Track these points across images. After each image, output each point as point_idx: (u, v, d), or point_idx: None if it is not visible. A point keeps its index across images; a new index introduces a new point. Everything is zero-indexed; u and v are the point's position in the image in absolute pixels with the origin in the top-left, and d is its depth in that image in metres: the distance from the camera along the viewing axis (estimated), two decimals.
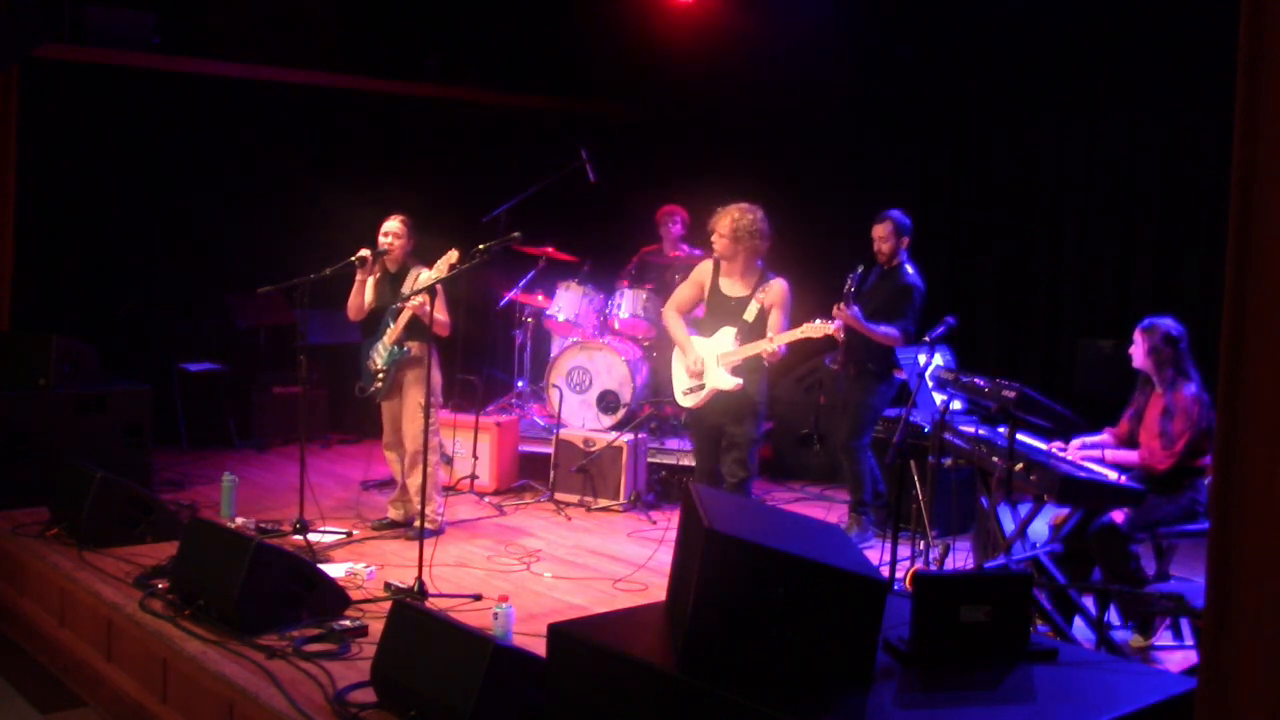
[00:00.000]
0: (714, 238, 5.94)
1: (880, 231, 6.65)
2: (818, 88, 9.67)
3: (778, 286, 5.93)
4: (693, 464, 7.71)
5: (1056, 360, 8.61)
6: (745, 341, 5.85)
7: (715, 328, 5.99)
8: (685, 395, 6.06)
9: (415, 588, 5.25)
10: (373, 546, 6.26)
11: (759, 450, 6.16)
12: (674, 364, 6.17)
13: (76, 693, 5.27)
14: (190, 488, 7.49)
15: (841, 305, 6.48)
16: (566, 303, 8.29)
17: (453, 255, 6.00)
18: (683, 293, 6.21)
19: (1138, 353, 5.24)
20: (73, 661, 5.45)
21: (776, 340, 5.77)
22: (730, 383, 5.84)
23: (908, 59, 9.16)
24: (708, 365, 5.94)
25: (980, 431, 5.24)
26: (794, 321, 5.89)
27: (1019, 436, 4.96)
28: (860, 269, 6.59)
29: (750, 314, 5.90)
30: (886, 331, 6.44)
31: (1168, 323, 5.21)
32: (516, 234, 5.74)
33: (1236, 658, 2.20)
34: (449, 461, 7.55)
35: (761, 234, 5.89)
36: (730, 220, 5.88)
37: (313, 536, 6.15)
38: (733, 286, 5.99)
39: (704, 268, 6.13)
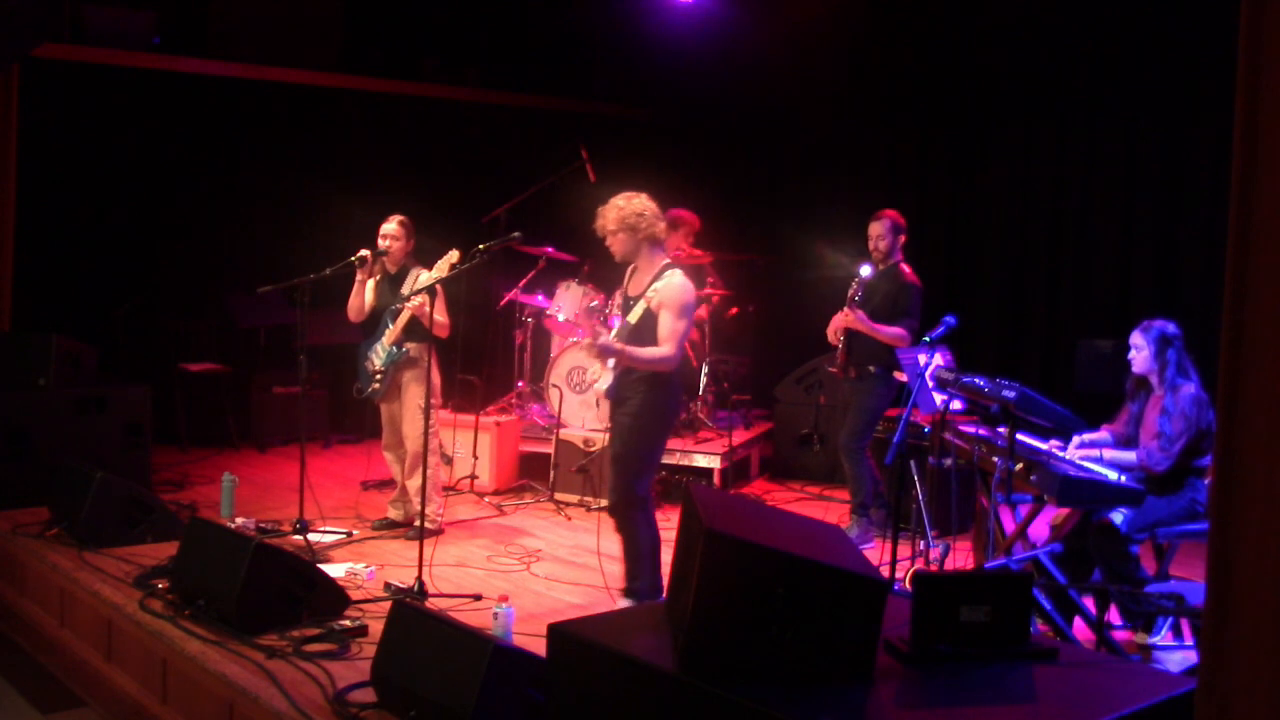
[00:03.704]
0: (607, 241, 5.19)
1: (877, 229, 6.65)
2: (818, 88, 9.68)
3: (672, 284, 5.05)
4: (692, 464, 7.76)
5: (1056, 360, 8.62)
6: (626, 345, 5.05)
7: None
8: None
9: (415, 588, 5.25)
10: (373, 546, 6.26)
11: (649, 474, 5.29)
12: None
13: (76, 693, 5.27)
14: (190, 488, 7.50)
15: (847, 309, 6.51)
16: (566, 303, 8.28)
17: (453, 255, 6.00)
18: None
19: (1142, 357, 5.23)
20: (73, 661, 5.45)
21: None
22: (604, 383, 5.13)
23: None
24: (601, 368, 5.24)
25: (980, 431, 5.24)
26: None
27: (1019, 436, 4.96)
28: (865, 272, 6.60)
29: (635, 315, 5.09)
30: (894, 332, 6.44)
31: (1164, 324, 5.22)
32: (516, 234, 5.74)
33: (1236, 658, 2.20)
34: (449, 461, 7.55)
35: (654, 214, 5.13)
36: (616, 210, 5.12)
37: (313, 536, 6.15)
38: (636, 285, 5.23)
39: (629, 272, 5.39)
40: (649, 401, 5.11)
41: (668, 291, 5.04)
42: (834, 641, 3.00)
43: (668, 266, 5.16)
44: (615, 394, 5.17)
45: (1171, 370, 5.17)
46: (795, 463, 8.49)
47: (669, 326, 5.01)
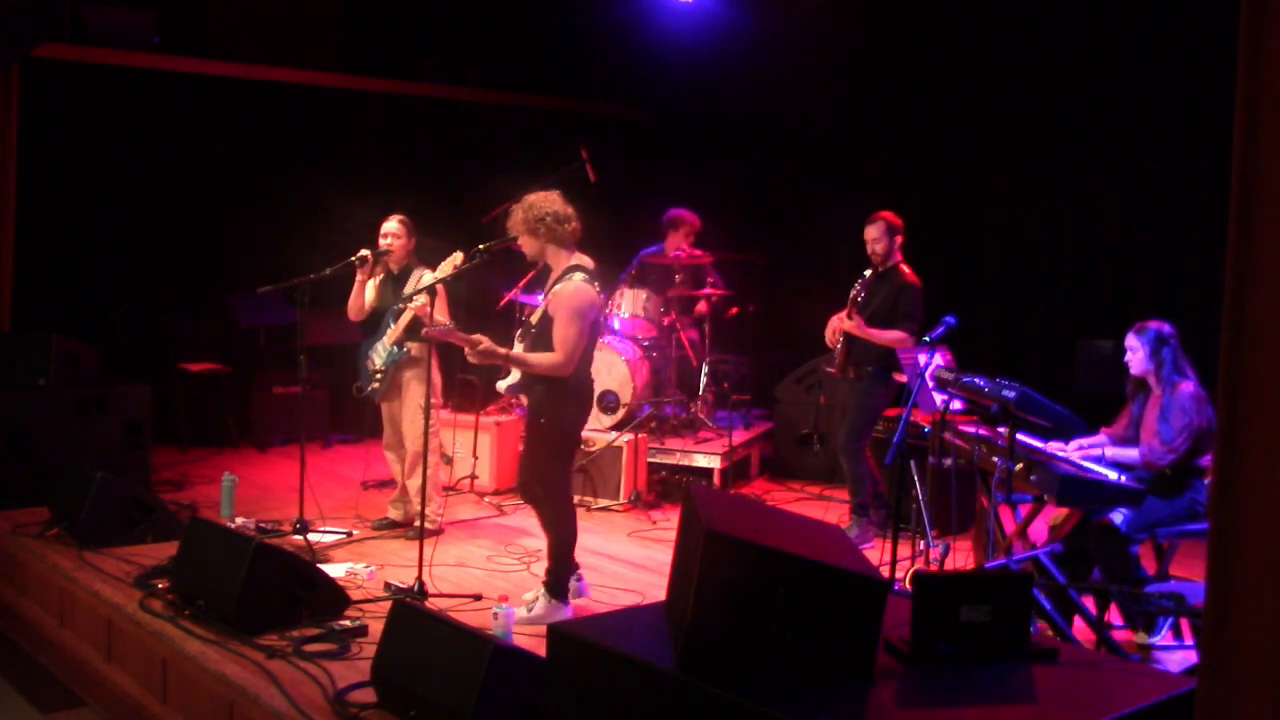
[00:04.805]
0: (519, 243, 5.15)
1: (872, 233, 6.63)
2: (818, 88, 9.68)
3: (565, 289, 4.95)
4: (692, 464, 7.76)
5: (1056, 360, 8.61)
6: (529, 350, 5.00)
7: None
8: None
9: (415, 588, 5.25)
10: (373, 546, 6.26)
11: (554, 472, 5.13)
12: None
13: (76, 693, 5.27)
14: (190, 488, 7.50)
15: (846, 313, 6.51)
16: None
17: (457, 257, 5.99)
18: None
19: (1137, 359, 5.24)
20: (73, 661, 5.45)
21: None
22: (504, 385, 5.21)
23: None
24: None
25: (980, 431, 5.23)
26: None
27: (1019, 436, 4.96)
28: (867, 274, 6.60)
29: (535, 316, 5.09)
30: (891, 336, 6.43)
31: (1159, 324, 5.23)
32: (517, 234, 5.73)
33: (1237, 658, 2.20)
34: (449, 461, 7.55)
35: (558, 217, 5.02)
36: (521, 214, 5.05)
37: (313, 536, 6.15)
38: (548, 288, 5.16)
39: None
40: (537, 403, 5.06)
41: (560, 296, 4.94)
42: (834, 641, 3.00)
43: (572, 269, 5.04)
44: (520, 391, 5.21)
45: (1168, 369, 5.16)
46: (795, 463, 8.49)
47: (559, 333, 4.89)
